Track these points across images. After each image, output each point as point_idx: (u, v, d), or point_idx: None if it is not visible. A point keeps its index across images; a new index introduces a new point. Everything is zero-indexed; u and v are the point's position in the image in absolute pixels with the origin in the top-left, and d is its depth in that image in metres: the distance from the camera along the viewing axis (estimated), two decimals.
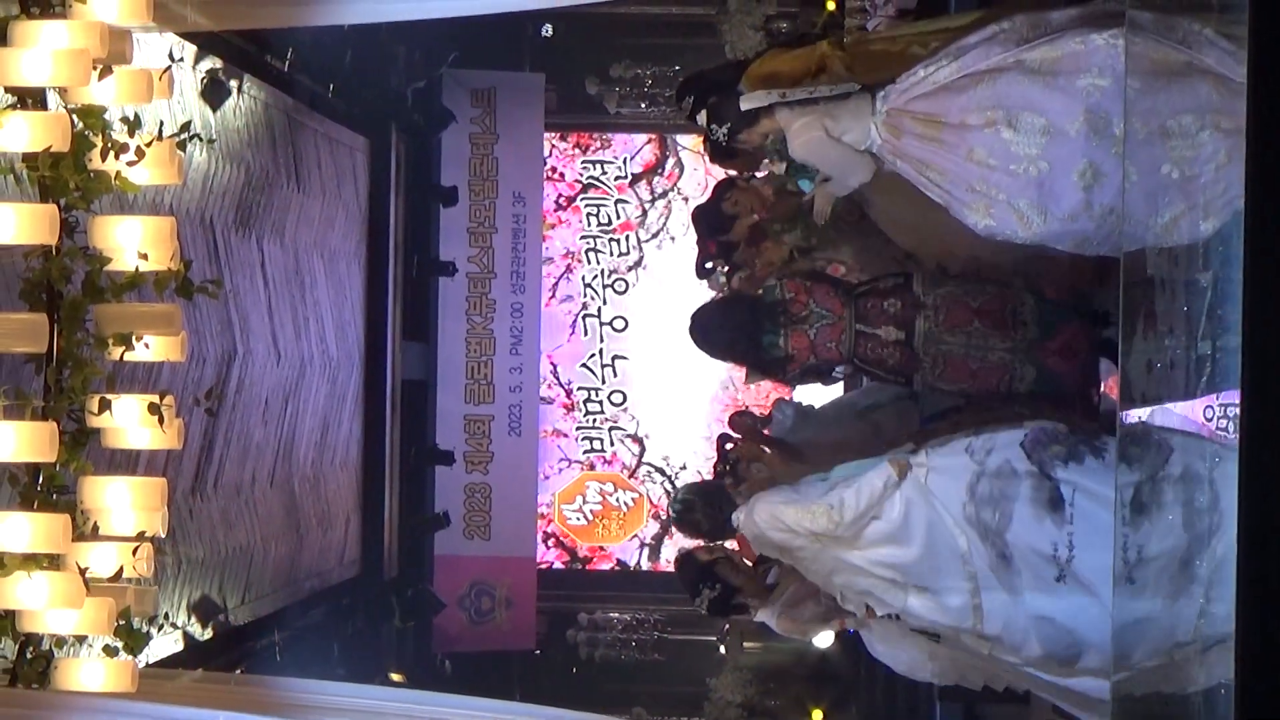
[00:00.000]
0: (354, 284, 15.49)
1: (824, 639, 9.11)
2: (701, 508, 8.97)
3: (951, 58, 7.84)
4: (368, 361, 15.76)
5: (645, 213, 18.22)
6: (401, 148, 16.66)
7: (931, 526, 7.84)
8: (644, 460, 17.92)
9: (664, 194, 18.22)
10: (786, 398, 10.69)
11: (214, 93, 11.72)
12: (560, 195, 18.27)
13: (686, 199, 17.75)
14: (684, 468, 17.78)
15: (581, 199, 18.16)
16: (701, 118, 8.68)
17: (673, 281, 17.43)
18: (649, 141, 18.32)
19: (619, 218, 18.11)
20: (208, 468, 11.62)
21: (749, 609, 9.19)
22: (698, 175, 17.92)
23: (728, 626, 16.05)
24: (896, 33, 8.67)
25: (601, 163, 18.24)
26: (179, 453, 10.61)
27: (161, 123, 7.21)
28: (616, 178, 18.21)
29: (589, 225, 18.11)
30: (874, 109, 7.97)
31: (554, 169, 18.25)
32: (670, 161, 18.26)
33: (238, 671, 11.18)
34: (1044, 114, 7.66)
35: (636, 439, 17.97)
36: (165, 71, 6.88)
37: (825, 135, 8.08)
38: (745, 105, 8.32)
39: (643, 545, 18.08)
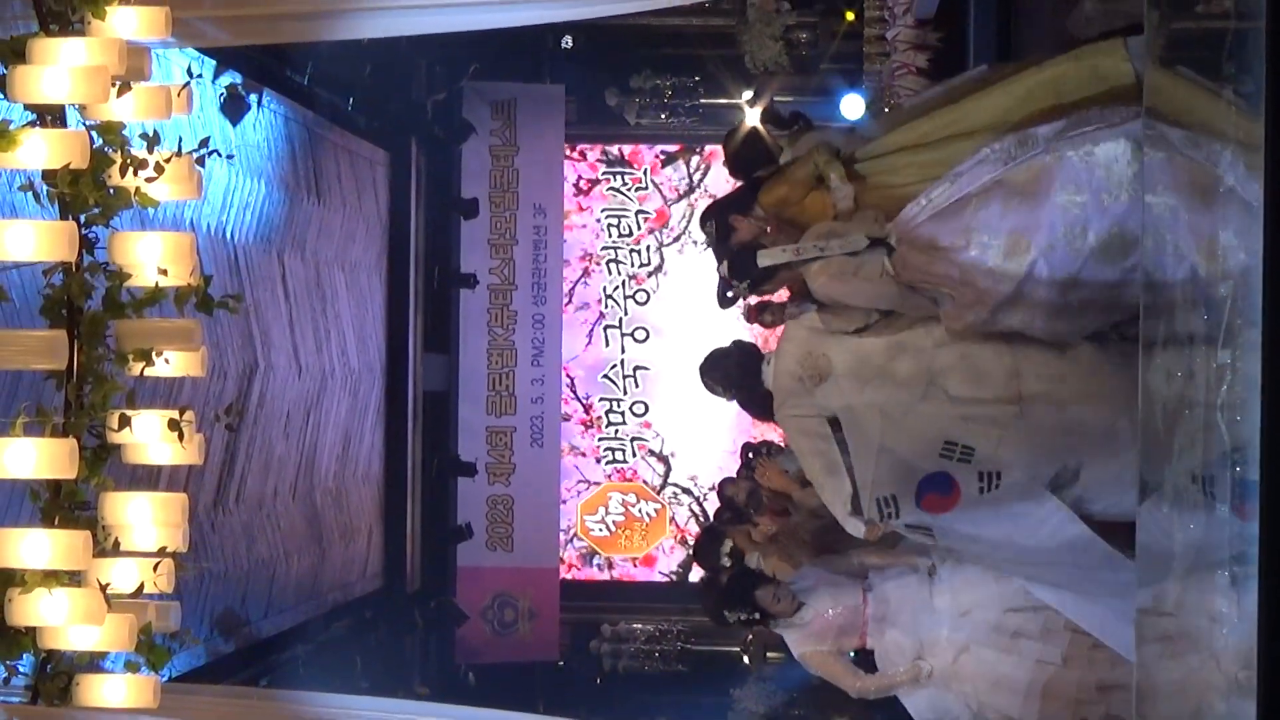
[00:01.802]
0: (375, 297, 15.50)
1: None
2: (736, 357, 9.12)
3: (947, 183, 8.24)
4: (389, 374, 15.78)
5: (667, 218, 18.18)
6: (422, 160, 16.68)
7: None
8: (669, 480, 17.87)
9: (687, 194, 18.17)
10: None
11: (233, 107, 11.74)
12: (580, 178, 18.18)
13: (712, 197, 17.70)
14: (712, 488, 17.77)
15: (602, 209, 18.13)
16: (724, 269, 9.23)
17: (694, 288, 17.38)
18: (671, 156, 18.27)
19: (639, 228, 18.09)
20: (229, 482, 11.63)
21: (777, 624, 9.22)
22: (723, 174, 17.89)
23: (750, 637, 16.01)
24: (900, 154, 8.84)
25: (622, 173, 18.22)
26: (200, 467, 10.62)
27: (180, 138, 7.21)
28: (637, 188, 18.18)
29: (609, 235, 18.09)
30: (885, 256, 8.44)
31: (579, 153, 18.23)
32: (695, 161, 18.21)
33: (261, 685, 11.20)
34: (1025, 233, 8.05)
35: (661, 457, 17.93)
36: (184, 88, 6.87)
37: (841, 277, 8.60)
38: (762, 262, 8.81)
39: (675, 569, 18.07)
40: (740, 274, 9.08)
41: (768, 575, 9.41)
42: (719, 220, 9.28)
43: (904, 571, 9.10)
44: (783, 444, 10.26)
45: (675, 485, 17.85)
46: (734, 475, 11.26)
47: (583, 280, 18.05)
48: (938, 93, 9.80)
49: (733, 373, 9.25)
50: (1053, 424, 8.33)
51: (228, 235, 11.59)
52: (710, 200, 10.21)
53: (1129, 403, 7.49)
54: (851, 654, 9.37)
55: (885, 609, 8.89)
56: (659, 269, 18.07)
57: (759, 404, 9.17)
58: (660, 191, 18.17)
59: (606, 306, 18.01)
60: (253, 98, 12.06)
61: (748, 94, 17.65)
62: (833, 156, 8.73)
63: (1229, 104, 7.54)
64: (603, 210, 18.13)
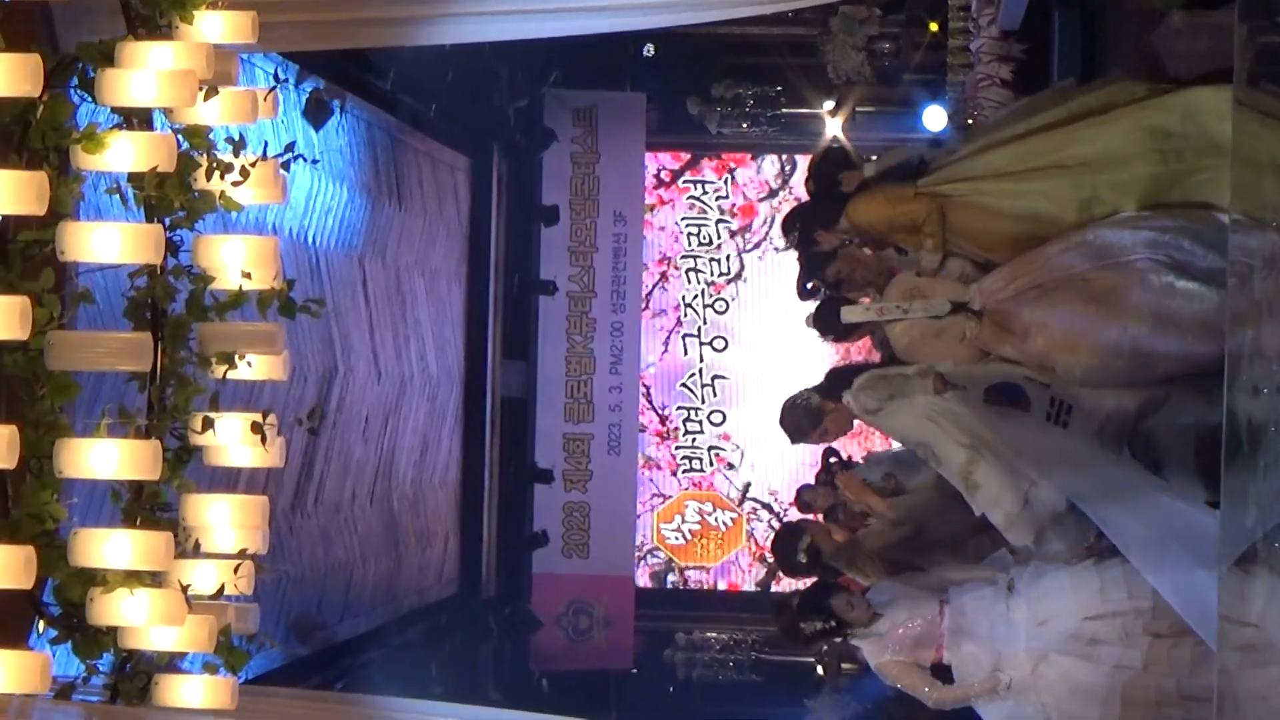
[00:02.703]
0: (454, 302, 15.54)
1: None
2: (802, 413, 9.24)
3: (1036, 263, 8.58)
4: (468, 379, 15.83)
5: (750, 220, 18.16)
6: (503, 166, 16.73)
7: None
8: (748, 495, 17.84)
9: (771, 195, 18.16)
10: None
11: (317, 112, 11.79)
12: (662, 169, 18.17)
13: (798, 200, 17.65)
14: (792, 504, 17.71)
15: (682, 218, 18.11)
16: (809, 319, 9.58)
17: (774, 295, 17.35)
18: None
19: (719, 238, 18.07)
20: (308, 485, 11.68)
21: (853, 635, 9.17)
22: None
23: (826, 648, 15.97)
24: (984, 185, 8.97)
25: (703, 182, 18.21)
26: (280, 470, 10.66)
27: (266, 143, 7.24)
28: (718, 197, 18.17)
29: (689, 244, 18.08)
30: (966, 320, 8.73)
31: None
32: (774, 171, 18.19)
33: (336, 688, 11.24)
34: (1085, 337, 8.51)
35: (739, 470, 17.93)
36: (270, 92, 6.90)
37: (924, 340, 8.88)
38: (846, 319, 9.12)
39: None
40: (825, 328, 9.34)
41: (844, 586, 9.37)
42: (802, 230, 9.36)
43: (981, 585, 9.05)
44: (863, 458, 10.25)
45: (754, 500, 17.81)
46: (813, 482, 11.22)
47: (660, 285, 18.04)
48: (1020, 108, 9.80)
49: (804, 425, 9.37)
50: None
51: (309, 239, 11.65)
52: (795, 204, 10.22)
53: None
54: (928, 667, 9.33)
55: (962, 622, 8.84)
56: (739, 275, 18.05)
57: None
58: (744, 192, 18.15)
59: (685, 315, 18.00)
60: (336, 103, 12.10)
61: (829, 104, 17.63)
62: (939, 224, 8.84)
63: None
64: (682, 219, 18.12)
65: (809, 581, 9.81)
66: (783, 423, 9.53)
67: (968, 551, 9.46)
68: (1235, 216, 7.46)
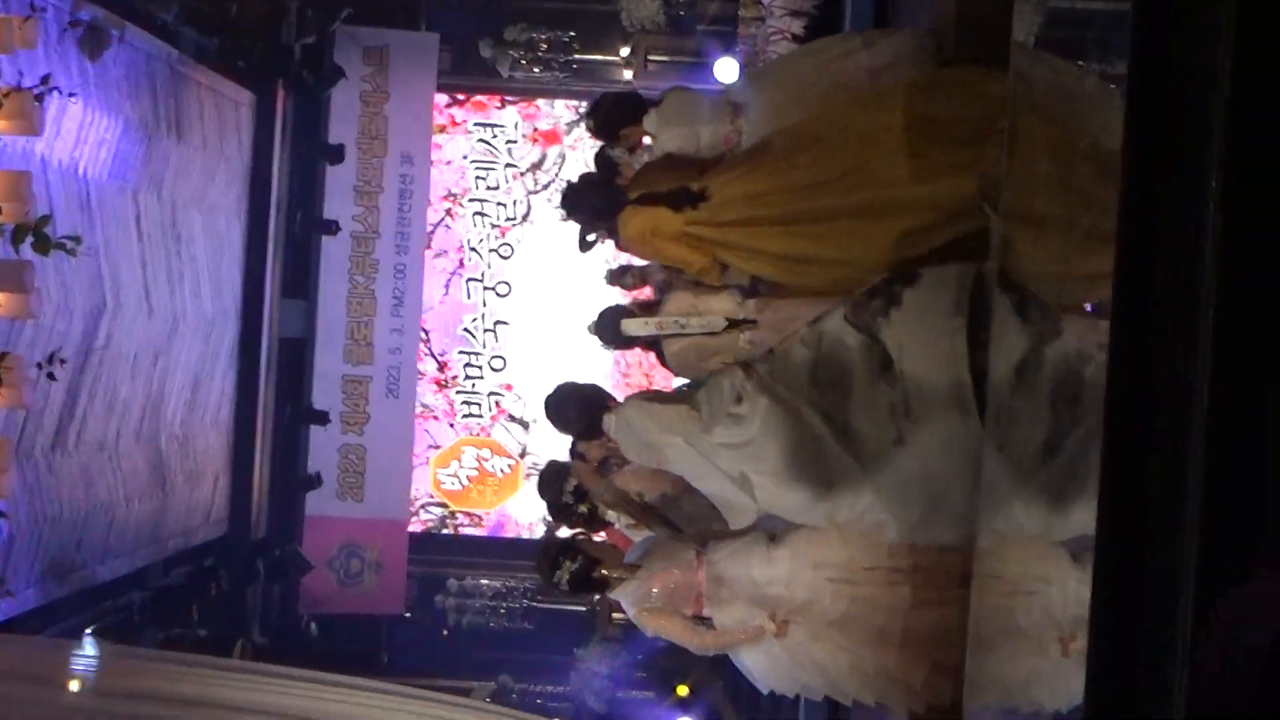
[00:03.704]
0: (233, 239, 15.32)
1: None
2: (576, 410, 9.04)
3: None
4: (245, 318, 15.61)
5: (541, 159, 18.05)
6: (289, 103, 16.48)
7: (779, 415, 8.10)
8: (530, 451, 17.78)
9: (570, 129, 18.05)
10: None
11: (93, 42, 11.52)
12: (454, 100, 18.02)
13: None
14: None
15: (470, 160, 17.97)
16: (590, 326, 9.47)
17: (561, 240, 17.25)
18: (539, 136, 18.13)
19: (507, 182, 17.96)
20: (70, 423, 11.45)
21: (608, 585, 9.11)
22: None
23: (598, 598, 15.99)
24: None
25: (492, 125, 18.08)
26: (40, 408, 10.45)
27: (21, 73, 7.06)
28: (508, 141, 18.04)
29: (476, 188, 17.95)
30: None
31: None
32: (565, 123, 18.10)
33: (93, 630, 11.06)
34: None
35: (523, 423, 17.84)
36: (26, 20, 6.73)
37: (700, 355, 8.94)
38: (626, 331, 9.13)
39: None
40: (606, 338, 9.33)
41: (604, 520, 9.29)
42: (577, 217, 9.34)
43: (745, 537, 9.03)
44: None
45: (535, 455, 17.74)
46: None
47: (444, 223, 17.89)
48: (804, 55, 9.76)
49: (574, 423, 9.25)
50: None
51: (80, 172, 11.38)
52: (568, 184, 10.10)
53: None
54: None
55: (721, 572, 8.81)
56: (526, 218, 17.93)
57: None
58: (536, 127, 18.03)
59: (469, 259, 17.87)
60: (115, 33, 11.84)
61: (624, 51, 17.57)
62: (718, 275, 8.86)
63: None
64: (471, 161, 17.97)
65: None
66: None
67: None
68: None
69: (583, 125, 17.80)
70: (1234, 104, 5.28)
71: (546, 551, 9.37)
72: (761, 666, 8.96)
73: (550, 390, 9.40)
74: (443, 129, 17.84)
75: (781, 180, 8.69)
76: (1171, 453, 5.38)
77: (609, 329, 9.36)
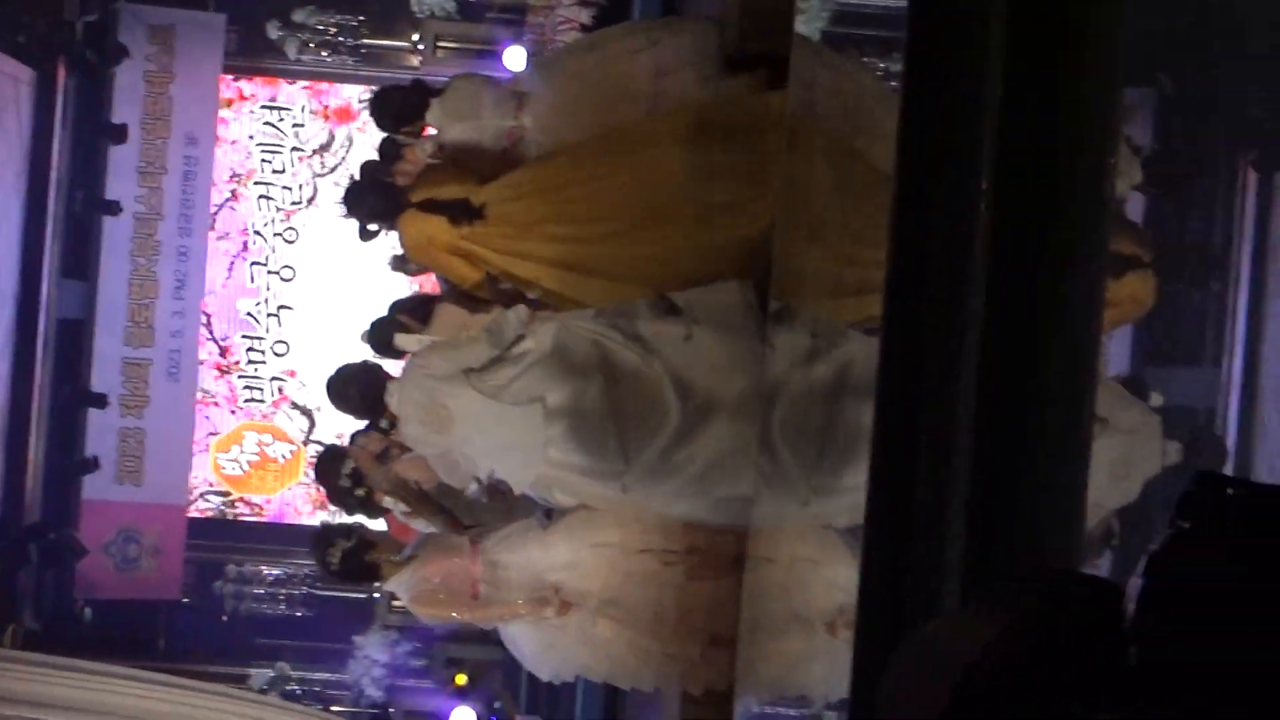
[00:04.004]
0: (10, 217, 15.09)
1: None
2: (359, 386, 9.03)
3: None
4: (21, 299, 15.39)
5: (329, 141, 17.92)
6: (71, 81, 16.26)
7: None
8: (312, 438, 17.64)
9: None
10: None
11: None
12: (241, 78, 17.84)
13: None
14: None
15: (257, 144, 17.82)
16: (364, 335, 9.41)
17: (346, 225, 17.13)
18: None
19: (293, 165, 17.83)
20: None
21: (381, 572, 9.10)
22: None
23: (379, 583, 15.95)
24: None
25: (279, 108, 17.95)
26: None
27: None
28: (295, 124, 17.92)
29: (262, 171, 17.81)
30: None
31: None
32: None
33: None
34: None
35: (305, 411, 17.71)
36: None
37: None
38: (399, 344, 9.12)
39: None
40: (378, 348, 9.37)
41: (382, 507, 9.28)
42: (359, 217, 9.37)
43: (519, 524, 9.05)
44: None
45: (317, 443, 17.64)
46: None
47: (229, 205, 17.72)
48: (588, 49, 9.81)
49: (355, 401, 9.24)
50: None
51: None
52: (351, 182, 10.07)
53: None
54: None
55: (498, 561, 8.83)
56: (312, 201, 17.81)
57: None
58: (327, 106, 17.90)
59: (253, 242, 17.73)
60: None
61: (413, 36, 17.54)
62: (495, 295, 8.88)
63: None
64: (257, 145, 17.82)
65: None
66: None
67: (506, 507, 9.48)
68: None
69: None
70: (1006, 106, 5.42)
71: (322, 533, 9.36)
72: (538, 650, 9.00)
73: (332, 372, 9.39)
74: (230, 103, 17.65)
75: (558, 209, 8.79)
76: (938, 444, 5.50)
77: (381, 341, 9.38)
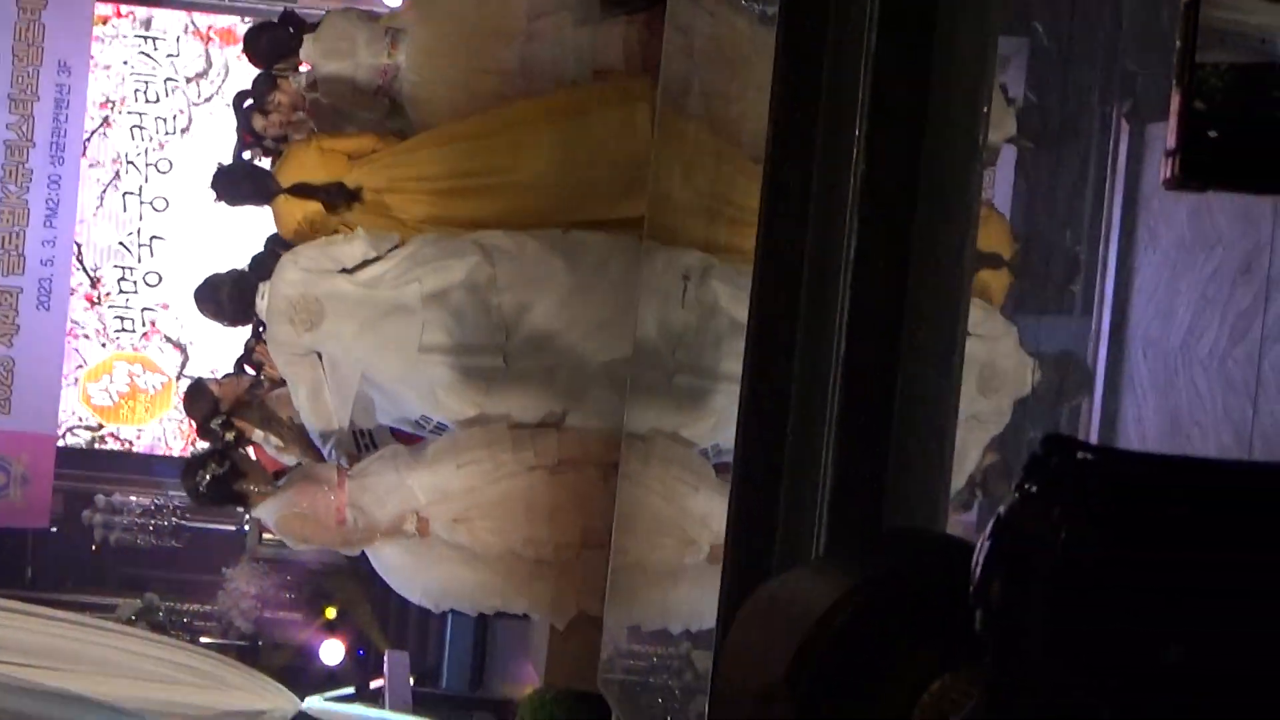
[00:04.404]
0: None
1: None
2: (229, 288, 9.02)
3: None
4: None
5: (206, 69, 17.71)
6: None
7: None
8: (185, 372, 17.47)
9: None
10: None
11: None
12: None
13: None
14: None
15: (132, 74, 17.61)
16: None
17: (221, 156, 16.97)
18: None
19: (167, 95, 17.65)
20: None
21: (249, 499, 9.08)
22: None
23: (248, 517, 15.91)
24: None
25: (154, 38, 17.75)
26: None
27: None
28: (169, 55, 17.72)
29: (136, 100, 17.62)
30: None
31: None
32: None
33: None
34: None
35: (179, 345, 17.55)
36: None
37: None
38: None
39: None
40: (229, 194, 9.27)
41: (247, 438, 9.26)
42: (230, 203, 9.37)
43: (387, 449, 9.02)
44: None
45: (189, 377, 17.47)
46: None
47: (101, 133, 17.52)
48: None
49: (225, 306, 9.21)
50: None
51: None
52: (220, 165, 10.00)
53: None
54: None
55: (365, 485, 8.81)
56: (186, 131, 17.63)
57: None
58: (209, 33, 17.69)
59: (126, 171, 17.55)
60: None
61: None
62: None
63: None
64: (131, 73, 17.62)
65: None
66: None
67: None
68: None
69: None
70: (880, 53, 5.49)
71: (194, 459, 9.35)
72: (406, 570, 9.02)
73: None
74: (105, 20, 17.42)
75: (434, 199, 8.83)
76: (808, 379, 5.59)
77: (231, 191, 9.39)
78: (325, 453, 9.00)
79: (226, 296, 9.11)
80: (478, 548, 8.75)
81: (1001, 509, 1.16)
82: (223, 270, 9.39)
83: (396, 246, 8.66)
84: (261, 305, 8.80)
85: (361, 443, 8.92)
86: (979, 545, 1.18)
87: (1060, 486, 1.12)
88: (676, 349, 8.38)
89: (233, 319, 9.32)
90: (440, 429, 8.85)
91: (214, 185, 9.66)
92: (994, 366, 8.08)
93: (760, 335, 5.82)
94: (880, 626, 1.38)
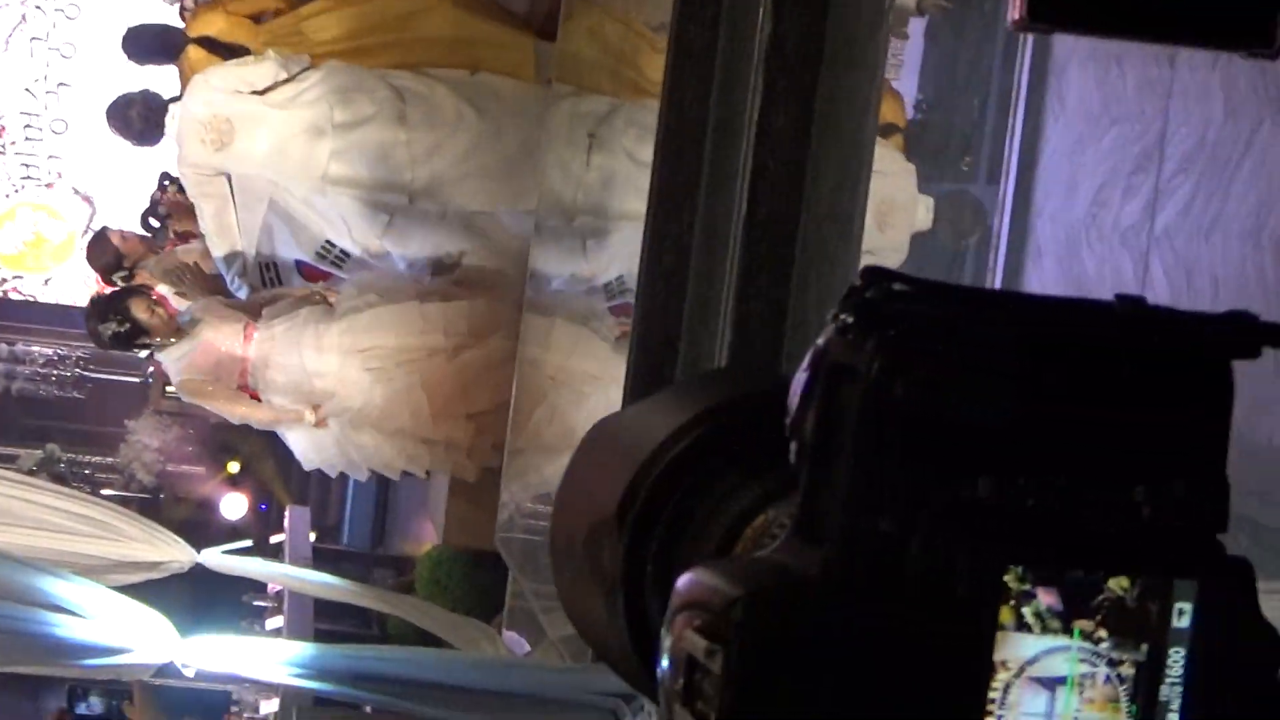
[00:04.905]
0: None
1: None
2: (140, 106, 8.98)
3: None
4: None
5: None
6: None
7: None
8: (91, 225, 17.23)
9: None
10: None
11: None
12: None
13: None
14: None
15: None
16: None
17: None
18: None
19: None
20: None
21: (154, 349, 9.05)
22: None
23: (152, 369, 15.83)
24: None
25: None
26: None
27: None
28: None
29: None
30: None
31: None
32: None
33: None
34: None
35: (86, 197, 17.32)
36: None
37: None
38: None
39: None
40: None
41: (146, 290, 9.19)
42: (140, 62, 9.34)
43: (298, 308, 8.95)
44: None
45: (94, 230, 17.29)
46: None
47: None
48: None
49: (135, 123, 9.12)
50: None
51: None
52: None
53: None
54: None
55: (270, 348, 8.77)
56: None
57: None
58: None
59: (32, 16, 17.26)
60: None
61: None
62: None
63: None
64: None
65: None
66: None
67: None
68: None
69: None
70: None
71: (96, 305, 9.27)
72: (305, 447, 9.03)
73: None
74: None
75: (336, 45, 8.82)
76: (711, 233, 5.59)
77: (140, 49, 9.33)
78: (229, 280, 8.95)
79: (137, 114, 9.06)
80: (371, 441, 8.78)
81: (819, 340, 1.14)
82: (133, 90, 9.32)
83: (308, 69, 8.63)
84: (171, 125, 8.77)
85: (266, 276, 8.87)
86: (794, 377, 1.17)
87: (875, 318, 1.11)
88: (578, 194, 8.39)
89: (141, 137, 9.25)
90: (343, 257, 8.82)
91: (124, 46, 9.57)
92: (891, 201, 8.11)
93: (662, 190, 5.80)
94: (711, 461, 1.37)
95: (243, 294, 8.92)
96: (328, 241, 8.75)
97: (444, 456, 8.85)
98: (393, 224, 8.62)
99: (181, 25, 9.56)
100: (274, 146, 8.57)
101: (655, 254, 5.72)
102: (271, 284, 8.87)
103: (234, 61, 8.70)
